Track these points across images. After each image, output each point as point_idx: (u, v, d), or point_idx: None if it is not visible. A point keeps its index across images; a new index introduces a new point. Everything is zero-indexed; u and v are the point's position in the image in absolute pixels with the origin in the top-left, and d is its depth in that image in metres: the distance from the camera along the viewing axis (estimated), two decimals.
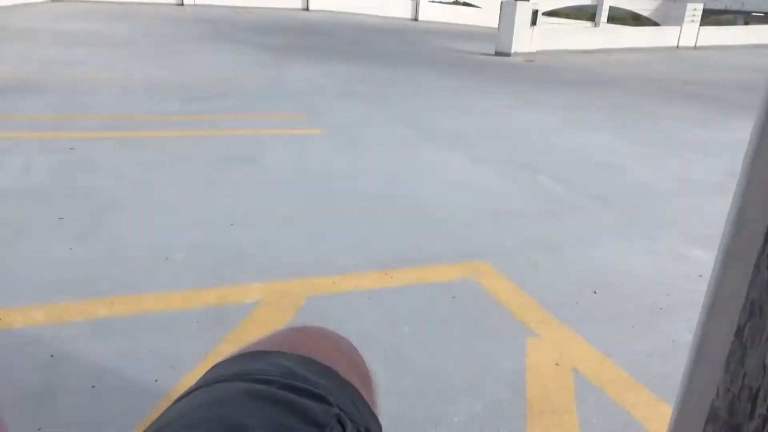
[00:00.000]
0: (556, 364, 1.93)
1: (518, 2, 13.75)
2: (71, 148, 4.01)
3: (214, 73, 7.77)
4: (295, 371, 0.58)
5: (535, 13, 13.98)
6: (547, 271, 2.64)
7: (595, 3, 28.70)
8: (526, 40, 13.96)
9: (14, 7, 16.72)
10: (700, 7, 17.19)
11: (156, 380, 1.73)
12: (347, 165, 4.09)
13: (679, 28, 17.24)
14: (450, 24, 23.44)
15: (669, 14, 21.27)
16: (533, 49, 14.16)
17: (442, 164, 4.32)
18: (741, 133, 6.30)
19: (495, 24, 21.64)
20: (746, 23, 27.13)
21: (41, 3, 18.94)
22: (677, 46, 17.16)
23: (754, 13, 27.42)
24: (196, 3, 22.50)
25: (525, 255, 2.79)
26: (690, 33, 17.20)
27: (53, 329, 1.94)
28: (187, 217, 2.96)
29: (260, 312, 2.13)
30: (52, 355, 1.80)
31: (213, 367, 0.62)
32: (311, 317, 2.12)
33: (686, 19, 17.12)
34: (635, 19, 30.79)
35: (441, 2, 26.12)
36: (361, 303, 2.25)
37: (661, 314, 2.32)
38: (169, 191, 3.32)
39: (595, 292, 2.46)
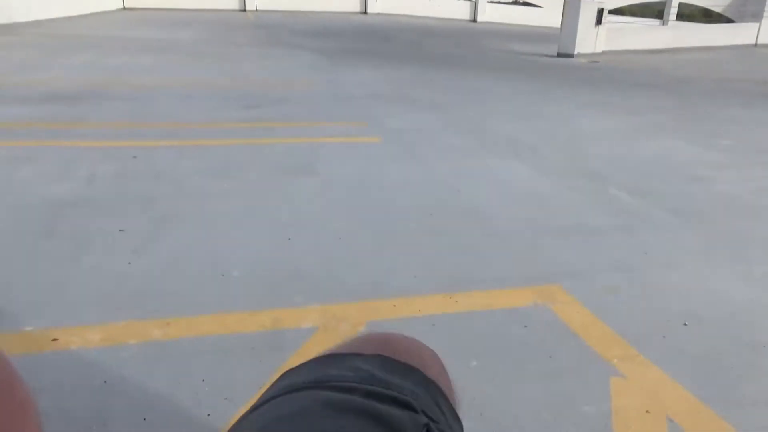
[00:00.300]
0: (647, 411, 1.72)
1: (583, 0, 13.27)
2: (134, 157, 4.04)
3: (272, 79, 7.80)
4: (375, 375, 0.53)
5: (600, 11, 13.44)
6: (627, 297, 2.41)
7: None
8: (590, 41, 13.45)
9: (86, 16, 17.50)
10: None
11: (209, 414, 1.63)
12: (407, 175, 3.95)
13: (757, 24, 16.22)
14: (509, 25, 22.97)
15: (745, 10, 20.05)
16: (598, 50, 13.62)
17: (506, 175, 4.11)
18: None
19: (556, 24, 21.01)
20: None
21: (112, 12, 19.78)
22: (755, 44, 16.16)
23: None
24: (258, 8, 22.97)
25: (601, 277, 2.57)
26: None
27: (108, 352, 1.88)
28: (243, 230, 2.90)
29: (318, 338, 2.01)
30: (105, 381, 1.74)
31: (284, 375, 0.57)
32: None
33: (766, 14, 16.08)
34: (706, 16, 29.22)
35: (500, 2, 25.64)
36: (424, 330, 2.09)
37: (764, 353, 2.05)
38: (227, 202, 3.27)
39: (685, 324, 2.21)
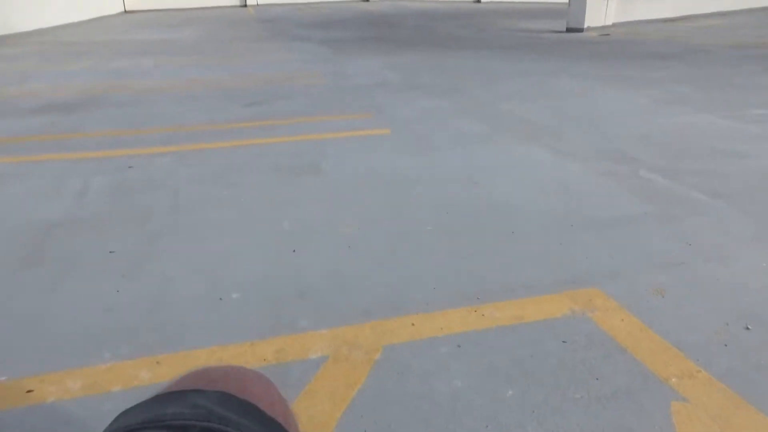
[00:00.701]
0: None
1: None
2: (130, 167, 3.82)
3: (275, 74, 7.54)
4: (214, 412, 0.52)
5: None
6: (677, 299, 2.13)
7: None
8: (600, 13, 12.98)
9: (88, 21, 17.35)
10: None
11: None
12: (419, 169, 3.67)
13: None
14: (514, 3, 22.41)
15: None
16: (608, 22, 13.15)
17: (525, 161, 3.82)
18: None
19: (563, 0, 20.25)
20: None
21: (113, 16, 19.62)
22: None
23: None
24: (259, 3, 22.67)
25: (643, 276, 2.29)
26: None
27: (89, 403, 1.65)
28: (244, 243, 2.65)
29: (328, 371, 1.76)
30: None
31: (119, 416, 0.54)
32: (390, 376, 1.73)
33: None
34: None
35: None
36: (449, 353, 1.83)
37: None
38: (227, 211, 3.03)
39: (748, 328, 1.93)
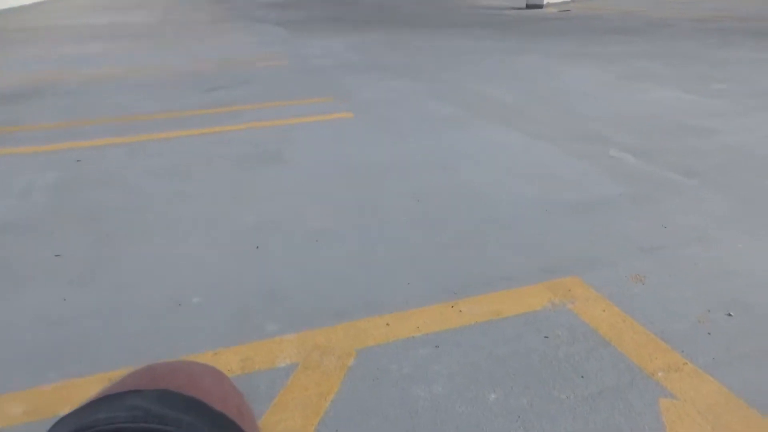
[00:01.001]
0: None
1: None
2: (78, 161, 3.58)
3: (233, 57, 7.26)
4: (151, 412, 0.47)
5: None
6: (657, 285, 2.07)
7: None
8: None
9: (40, 4, 16.51)
10: None
11: None
12: (388, 155, 3.54)
13: None
14: None
15: None
16: None
17: (495, 144, 3.73)
18: None
19: None
20: None
21: None
22: None
23: None
24: None
25: (622, 262, 2.22)
26: None
27: (33, 429, 1.49)
28: (205, 242, 2.49)
29: (299, 379, 1.64)
30: None
31: (52, 426, 0.47)
32: (366, 383, 1.62)
33: None
34: None
35: None
36: (427, 355, 1.73)
37: None
38: (185, 207, 2.85)
39: (730, 314, 1.88)
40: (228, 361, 1.73)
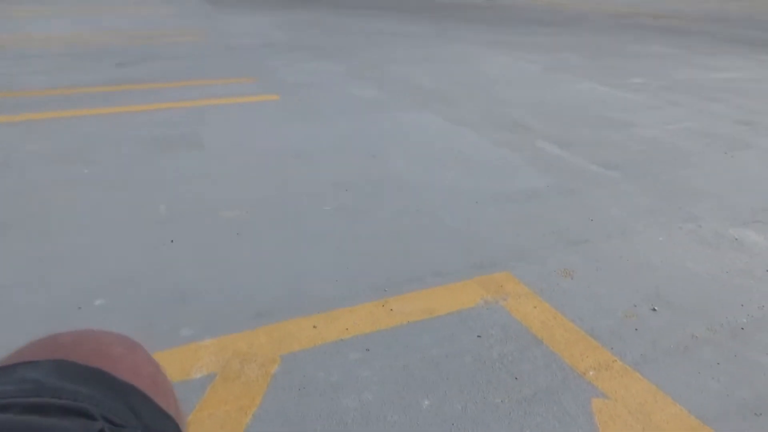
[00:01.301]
0: None
1: None
2: None
3: (149, 30, 6.78)
4: (45, 384, 0.46)
5: None
6: (585, 280, 2.07)
7: None
8: None
9: None
10: None
11: None
12: (312, 140, 3.39)
13: None
14: None
15: None
16: None
17: (420, 130, 3.66)
18: (732, 73, 5.81)
19: None
20: None
21: None
22: None
23: None
24: None
25: (551, 257, 2.21)
26: None
27: None
28: (109, 235, 2.26)
29: (217, 392, 1.49)
30: None
31: None
32: (291, 393, 1.50)
33: None
34: None
35: None
36: (357, 359, 1.63)
37: (745, 337, 1.78)
38: (85, 197, 2.58)
39: (654, 309, 1.91)
40: None
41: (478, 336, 1.74)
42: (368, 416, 1.44)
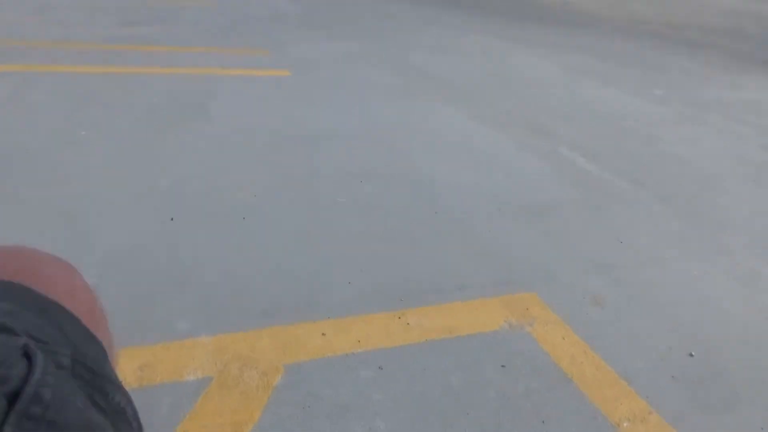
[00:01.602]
0: None
1: None
2: None
3: None
4: None
5: None
6: (615, 311, 1.91)
7: None
8: None
9: None
10: None
11: None
12: (326, 123, 3.20)
13: None
14: None
15: None
16: None
17: (441, 125, 3.47)
18: (755, 93, 5.65)
19: None
20: None
21: None
22: None
23: None
24: None
25: (579, 280, 2.05)
26: None
27: None
28: (105, 206, 2.07)
29: (210, 400, 1.32)
30: None
31: None
32: (294, 411, 1.34)
33: None
34: None
35: None
36: (369, 378, 1.46)
37: None
38: (84, 160, 2.39)
39: (692, 355, 1.75)
40: (122, 367, 1.38)
41: (503, 366, 1.58)
42: None
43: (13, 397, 0.35)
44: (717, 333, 1.87)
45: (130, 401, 0.49)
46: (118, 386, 0.48)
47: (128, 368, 1.38)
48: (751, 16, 12.37)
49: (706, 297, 2.07)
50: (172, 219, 2.02)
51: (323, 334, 1.59)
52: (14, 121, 2.55)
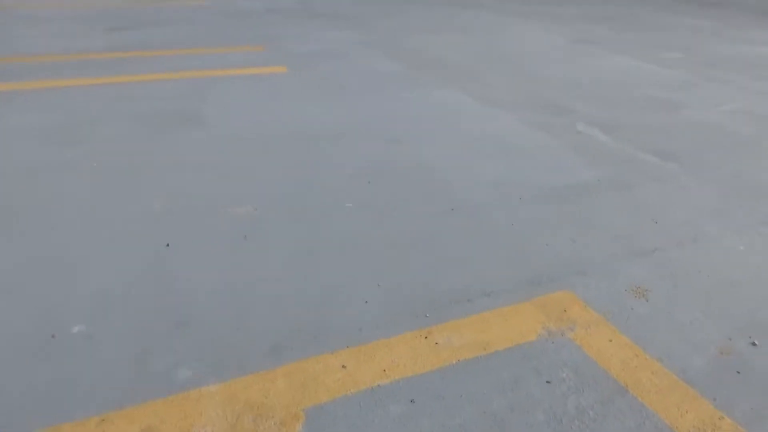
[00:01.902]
0: None
1: None
2: None
3: None
4: None
5: None
6: (663, 302, 1.73)
7: None
8: None
9: None
10: None
11: None
12: (328, 121, 3.01)
13: None
14: None
15: None
16: None
17: (449, 110, 3.28)
18: None
19: None
20: None
21: None
22: None
23: None
24: None
25: (618, 269, 1.87)
26: None
27: None
28: (92, 238, 1.91)
29: None
30: None
31: None
32: None
33: None
34: None
35: None
36: (400, 415, 1.29)
37: None
38: (68, 186, 2.23)
39: (754, 344, 1.57)
40: (121, 431, 1.22)
41: (548, 382, 1.40)
42: None
43: None
44: None
45: None
46: None
47: (128, 431, 1.23)
48: None
49: (758, 275, 1.87)
50: (167, 245, 1.86)
51: (343, 367, 1.42)
52: None
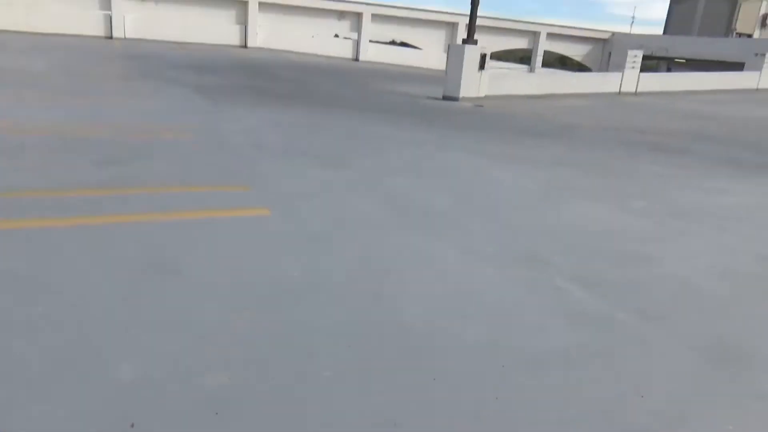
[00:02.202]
0: None
1: (466, 46, 13.25)
2: None
3: (138, 122, 6.55)
4: None
5: (483, 57, 13.49)
6: None
7: (528, 47, 29.25)
8: (474, 85, 13.42)
9: None
10: (640, 54, 17.39)
11: None
12: (309, 271, 3.00)
13: (620, 74, 17.33)
14: (390, 65, 22.97)
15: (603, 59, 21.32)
16: (481, 94, 13.63)
17: (433, 263, 3.30)
18: (733, 197, 5.67)
19: (434, 65, 21.53)
20: (669, 69, 28.06)
21: None
22: (619, 92, 17.21)
23: (676, 60, 28.47)
24: (126, 36, 20.97)
25: None
26: (631, 79, 17.32)
27: None
28: (47, 412, 1.78)
29: None
30: None
31: None
32: None
33: (627, 65, 17.24)
34: (561, 63, 31.56)
35: (380, 42, 25.69)
36: None
37: None
38: (26, 346, 2.12)
39: None
40: None
41: None
42: None
43: None
44: None
45: None
46: None
47: None
48: (711, 118, 12.98)
49: None
50: (132, 426, 1.73)
51: None
52: None
